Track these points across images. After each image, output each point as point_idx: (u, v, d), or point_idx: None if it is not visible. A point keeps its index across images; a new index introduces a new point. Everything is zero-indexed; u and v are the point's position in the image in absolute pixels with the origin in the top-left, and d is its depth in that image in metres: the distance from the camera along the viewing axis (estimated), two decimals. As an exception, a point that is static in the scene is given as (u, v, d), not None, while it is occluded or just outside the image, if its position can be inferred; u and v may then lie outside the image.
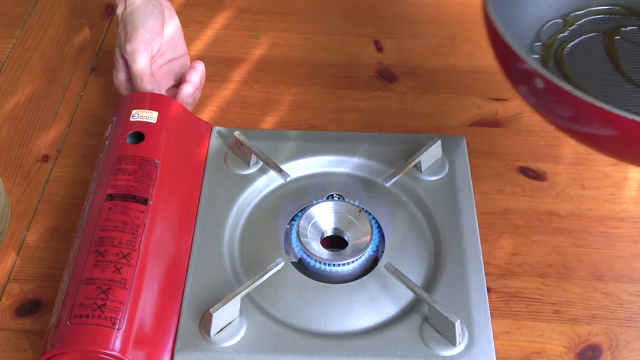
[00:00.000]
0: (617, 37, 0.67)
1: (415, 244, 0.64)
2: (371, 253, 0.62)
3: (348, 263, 0.61)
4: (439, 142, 0.68)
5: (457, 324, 0.56)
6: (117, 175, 0.63)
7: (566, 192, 0.70)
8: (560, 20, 0.68)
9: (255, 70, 0.82)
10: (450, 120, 0.76)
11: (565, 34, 0.67)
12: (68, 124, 0.77)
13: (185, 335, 0.58)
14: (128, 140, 0.66)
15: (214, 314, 0.56)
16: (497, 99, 0.77)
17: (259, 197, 0.67)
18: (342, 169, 0.69)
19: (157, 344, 0.56)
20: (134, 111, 0.67)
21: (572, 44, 0.66)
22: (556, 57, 0.66)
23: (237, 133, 0.68)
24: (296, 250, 0.62)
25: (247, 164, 0.68)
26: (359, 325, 0.59)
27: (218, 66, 0.80)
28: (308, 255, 0.61)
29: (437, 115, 0.77)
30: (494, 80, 0.76)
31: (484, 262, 0.62)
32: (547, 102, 0.57)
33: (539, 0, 0.68)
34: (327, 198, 0.65)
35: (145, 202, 0.61)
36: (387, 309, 0.60)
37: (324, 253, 0.62)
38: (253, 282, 0.58)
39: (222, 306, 0.56)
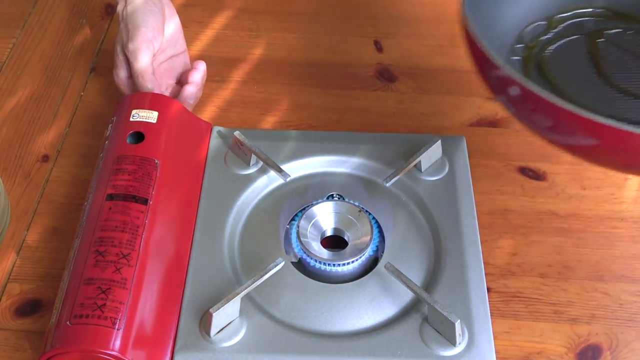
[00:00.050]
0: (601, 39, 0.66)
1: (415, 244, 0.64)
2: (371, 253, 0.62)
3: (348, 263, 0.61)
4: (439, 142, 0.68)
5: (457, 324, 0.56)
6: (117, 175, 0.63)
7: (566, 192, 0.70)
8: (544, 22, 0.68)
9: (255, 70, 0.82)
10: (450, 120, 0.76)
11: (549, 35, 0.67)
12: (68, 124, 0.77)
13: (185, 335, 0.58)
14: (128, 140, 0.66)
15: (214, 314, 0.56)
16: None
17: (259, 197, 0.67)
18: (342, 169, 0.69)
19: (157, 344, 0.56)
20: (134, 111, 0.67)
21: (555, 46, 0.66)
22: (538, 60, 0.65)
23: (237, 133, 0.68)
24: (296, 250, 0.62)
25: (247, 164, 0.68)
26: (359, 325, 0.59)
27: (218, 66, 0.80)
28: (308, 255, 0.61)
29: (437, 115, 0.77)
30: (494, 80, 0.76)
31: (484, 262, 0.62)
32: (524, 109, 0.56)
33: (523, 2, 0.67)
34: (327, 198, 0.65)
35: (145, 202, 0.61)
36: (387, 309, 0.60)
37: (324, 253, 0.62)
38: (253, 282, 0.58)
39: (222, 306, 0.56)
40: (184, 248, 0.63)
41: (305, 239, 0.62)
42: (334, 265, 0.61)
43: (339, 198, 0.66)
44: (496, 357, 0.57)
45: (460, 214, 0.65)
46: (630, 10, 0.68)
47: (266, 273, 0.59)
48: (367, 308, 0.60)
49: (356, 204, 0.64)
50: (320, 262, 0.61)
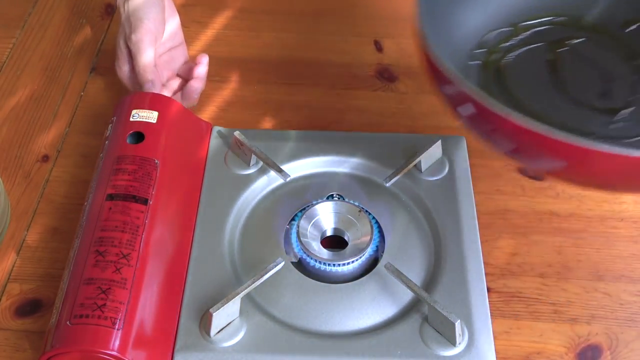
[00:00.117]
0: (562, 49, 0.66)
1: (415, 244, 0.64)
2: (371, 253, 0.62)
3: (348, 263, 0.61)
4: (439, 142, 0.68)
5: (457, 324, 0.56)
6: (117, 175, 0.63)
7: (566, 192, 0.70)
8: (509, 29, 0.67)
9: (256, 70, 0.82)
10: (450, 120, 0.76)
11: (512, 42, 0.67)
12: (68, 124, 0.77)
13: (185, 335, 0.58)
14: (128, 140, 0.66)
15: (214, 314, 0.56)
16: (497, 99, 0.77)
17: (259, 197, 0.67)
18: (342, 169, 0.69)
19: (157, 344, 0.56)
20: (134, 111, 0.67)
21: (516, 52, 0.66)
22: (498, 66, 0.65)
23: (237, 133, 0.68)
24: (296, 250, 0.62)
25: (247, 164, 0.68)
26: (359, 325, 0.59)
27: (218, 66, 0.80)
28: (308, 255, 0.61)
29: (437, 115, 0.77)
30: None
31: (484, 262, 0.62)
32: (473, 120, 0.56)
33: (489, 7, 0.67)
34: (327, 198, 0.65)
35: (145, 202, 0.61)
36: (387, 309, 0.60)
37: (324, 253, 0.62)
38: (253, 282, 0.58)
39: (222, 306, 0.56)
40: (184, 248, 0.63)
41: (305, 239, 0.62)
42: (334, 265, 0.61)
43: (339, 198, 0.66)
44: (496, 357, 0.57)
45: (460, 214, 0.65)
46: (595, 21, 0.67)
47: (266, 273, 0.59)
48: (367, 308, 0.60)
49: (356, 204, 0.64)
50: (320, 262, 0.61)
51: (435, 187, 0.67)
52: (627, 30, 0.66)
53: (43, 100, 0.79)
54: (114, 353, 0.53)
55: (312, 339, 0.58)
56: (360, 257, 0.61)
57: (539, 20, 0.68)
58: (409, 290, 0.59)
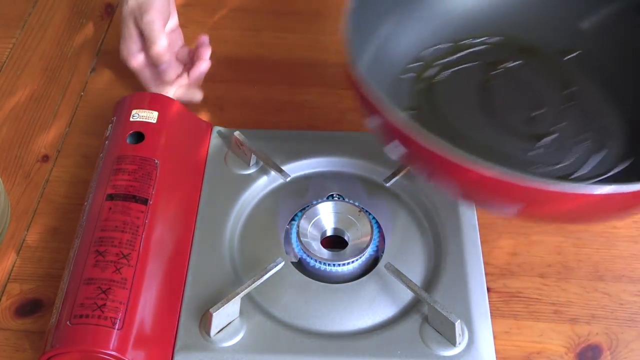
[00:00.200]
0: (498, 70, 0.66)
1: (415, 244, 0.64)
2: (371, 253, 0.62)
3: (348, 263, 0.61)
4: (439, 142, 0.68)
5: (457, 324, 0.56)
6: (117, 175, 0.63)
7: (566, 192, 0.70)
8: (449, 45, 0.67)
9: (255, 70, 0.82)
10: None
11: (450, 59, 0.66)
12: (68, 124, 0.77)
13: (185, 335, 0.58)
14: (128, 140, 0.66)
15: (214, 314, 0.56)
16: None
17: (259, 197, 0.67)
18: (342, 169, 0.69)
19: (157, 344, 0.56)
20: (134, 111, 0.67)
21: (452, 69, 0.65)
22: (431, 81, 0.65)
23: (237, 133, 0.68)
24: (296, 250, 0.62)
25: (247, 164, 0.68)
26: (359, 325, 0.59)
27: (218, 66, 0.80)
28: (308, 255, 0.61)
29: (437, 115, 0.77)
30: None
31: (484, 262, 0.62)
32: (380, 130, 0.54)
33: (430, 23, 0.66)
34: (327, 198, 0.65)
35: (145, 202, 0.61)
36: (387, 309, 0.60)
37: (324, 253, 0.62)
38: (253, 282, 0.58)
39: (222, 306, 0.56)
40: (184, 248, 0.63)
41: (305, 239, 0.62)
42: (334, 265, 0.61)
43: (339, 198, 0.66)
44: (496, 357, 0.57)
45: (460, 214, 0.65)
46: (535, 46, 0.67)
47: (266, 273, 0.59)
48: (367, 308, 0.60)
49: (356, 204, 0.64)
50: (320, 262, 0.61)
51: (435, 187, 0.67)
52: (565, 58, 0.65)
53: (43, 100, 0.79)
54: (114, 353, 0.53)
55: (312, 339, 0.58)
56: (360, 257, 0.61)
57: (479, 39, 0.67)
58: (409, 290, 0.59)
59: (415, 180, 0.67)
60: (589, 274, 0.65)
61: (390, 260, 0.60)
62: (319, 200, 0.65)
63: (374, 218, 0.64)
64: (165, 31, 0.74)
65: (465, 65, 0.66)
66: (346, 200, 0.65)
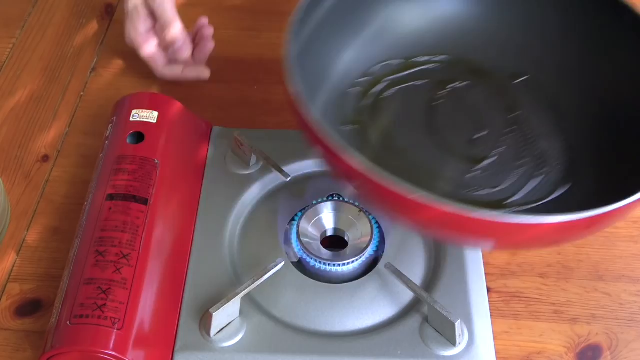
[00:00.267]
0: (446, 90, 0.65)
1: (415, 244, 0.64)
2: (371, 253, 0.62)
3: (348, 263, 0.61)
4: (439, 142, 0.68)
5: (457, 324, 0.56)
6: (117, 175, 0.63)
7: (566, 192, 0.70)
8: (400, 61, 0.66)
9: (255, 70, 0.82)
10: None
11: (399, 75, 0.66)
12: (68, 124, 0.77)
13: (185, 335, 0.58)
14: (128, 140, 0.66)
15: (214, 314, 0.56)
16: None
17: (259, 197, 0.67)
18: (342, 169, 0.69)
19: (157, 344, 0.56)
20: (134, 111, 0.67)
21: (401, 86, 0.65)
22: (378, 96, 0.64)
23: (237, 133, 0.68)
24: (296, 250, 0.62)
25: (247, 164, 0.68)
26: (359, 325, 0.59)
27: (218, 66, 0.80)
28: (308, 255, 0.61)
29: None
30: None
31: (484, 262, 0.62)
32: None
33: (384, 39, 0.66)
34: (327, 198, 0.65)
35: (145, 202, 0.61)
36: (387, 309, 0.60)
37: (324, 253, 0.62)
38: (253, 282, 0.58)
39: (222, 306, 0.56)
40: (184, 248, 0.63)
41: (305, 239, 0.62)
42: (334, 265, 0.61)
43: (339, 198, 0.66)
44: (496, 357, 0.58)
45: (460, 214, 0.65)
46: (485, 68, 0.66)
47: (266, 273, 0.59)
48: (367, 308, 0.60)
49: (356, 204, 0.64)
50: (320, 262, 0.61)
51: (435, 187, 0.67)
52: (514, 82, 0.65)
53: (43, 100, 0.79)
54: (114, 353, 0.53)
55: (312, 339, 0.58)
56: (360, 257, 0.61)
57: (430, 58, 0.66)
58: (409, 290, 0.59)
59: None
60: (589, 274, 0.65)
61: (390, 260, 0.60)
62: (319, 200, 0.65)
63: (373, 218, 0.64)
64: None
65: (413, 83, 0.65)
66: (346, 200, 0.65)
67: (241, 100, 0.79)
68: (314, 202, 0.64)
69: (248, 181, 0.67)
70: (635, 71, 0.60)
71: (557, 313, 0.62)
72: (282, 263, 0.60)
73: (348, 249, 0.62)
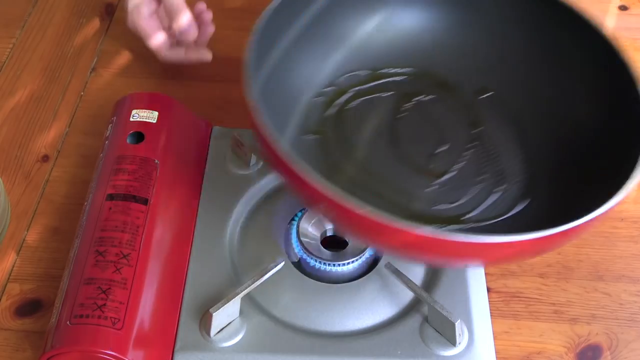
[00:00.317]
0: (411, 102, 0.65)
1: (415, 244, 0.64)
2: (371, 253, 0.62)
3: (348, 263, 0.61)
4: (439, 142, 0.68)
5: (457, 324, 0.56)
6: (117, 175, 0.63)
7: (566, 192, 0.70)
8: (367, 72, 0.66)
9: (255, 70, 0.81)
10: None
11: (366, 86, 0.65)
12: (68, 124, 0.77)
13: (185, 335, 0.58)
14: (128, 140, 0.66)
15: (214, 314, 0.56)
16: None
17: (259, 197, 0.67)
18: (342, 169, 0.69)
19: (157, 344, 0.56)
20: (134, 111, 0.67)
21: (366, 97, 0.65)
22: (343, 107, 0.64)
23: (237, 133, 0.68)
24: (296, 250, 0.62)
25: (247, 164, 0.68)
26: (359, 325, 0.59)
27: (218, 66, 0.80)
28: (308, 255, 0.61)
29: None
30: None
31: (484, 262, 0.62)
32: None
33: (352, 50, 0.65)
34: (327, 198, 0.65)
35: (145, 202, 0.61)
36: (387, 309, 0.60)
37: (324, 253, 0.62)
38: (253, 282, 0.58)
39: (222, 306, 0.56)
40: (184, 248, 0.63)
41: (305, 239, 0.62)
42: (334, 265, 0.61)
43: (339, 198, 0.66)
44: (496, 357, 0.58)
45: (460, 214, 0.65)
46: (452, 82, 0.66)
47: (266, 273, 0.59)
48: (367, 308, 0.60)
49: (356, 204, 0.64)
50: (320, 262, 0.61)
51: (435, 187, 0.67)
52: (480, 97, 0.65)
53: (43, 100, 0.79)
54: (114, 353, 0.53)
55: (312, 339, 0.58)
56: (360, 257, 0.61)
57: (398, 70, 0.66)
58: (409, 290, 0.59)
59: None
60: (589, 274, 0.65)
61: (390, 260, 0.60)
62: (319, 200, 0.65)
63: (374, 218, 0.64)
64: None
65: (379, 95, 0.65)
66: (346, 200, 0.65)
67: (241, 100, 0.78)
68: (314, 202, 0.64)
69: (248, 181, 0.67)
70: (594, 90, 0.60)
71: (557, 313, 0.62)
72: (282, 263, 0.60)
73: (348, 249, 0.62)
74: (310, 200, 0.53)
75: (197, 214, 0.65)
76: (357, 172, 0.59)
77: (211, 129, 0.72)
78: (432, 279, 0.61)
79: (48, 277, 0.64)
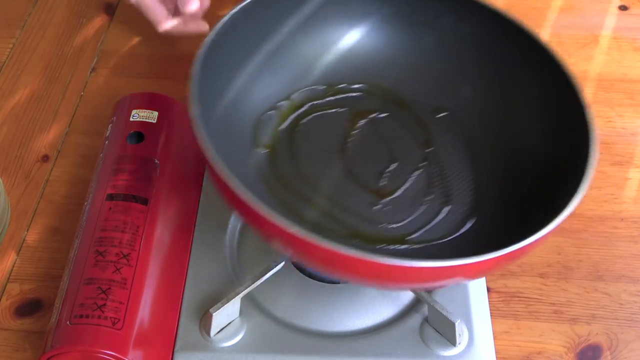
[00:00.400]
0: (365, 119, 0.64)
1: (415, 244, 0.64)
2: (371, 253, 0.62)
3: (348, 263, 0.61)
4: (439, 142, 0.68)
5: (457, 324, 0.56)
6: (117, 175, 0.63)
7: (566, 192, 0.70)
8: (323, 87, 0.66)
9: (255, 70, 0.82)
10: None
11: (321, 101, 0.65)
12: (68, 124, 0.77)
13: (185, 335, 0.58)
14: (128, 140, 0.66)
15: (214, 314, 0.56)
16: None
17: (259, 197, 0.67)
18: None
19: (157, 344, 0.56)
20: (134, 111, 0.67)
21: (320, 112, 0.64)
22: (296, 121, 0.64)
23: (237, 133, 0.68)
24: (296, 250, 0.62)
25: (247, 164, 0.68)
26: (359, 325, 0.59)
27: (218, 66, 0.80)
28: (308, 255, 0.61)
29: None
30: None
31: (484, 262, 0.62)
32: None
33: (308, 65, 0.66)
34: (327, 198, 0.65)
35: (145, 202, 0.61)
36: (387, 309, 0.60)
37: (324, 253, 0.62)
38: (253, 282, 0.58)
39: (222, 306, 0.56)
40: (184, 248, 0.63)
41: (305, 239, 0.62)
42: (334, 265, 0.61)
43: (339, 198, 0.66)
44: (496, 357, 0.58)
45: (460, 214, 0.65)
46: (409, 100, 0.66)
47: (266, 273, 0.59)
48: (367, 308, 0.60)
49: (356, 204, 0.64)
50: (320, 262, 0.61)
51: (435, 187, 0.67)
52: (437, 116, 0.65)
53: (43, 100, 0.79)
54: (114, 353, 0.53)
55: (312, 339, 0.58)
56: (360, 257, 0.61)
57: (354, 86, 0.66)
58: (409, 290, 0.59)
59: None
60: (589, 274, 0.65)
61: (390, 260, 0.60)
62: (319, 200, 0.65)
63: (374, 218, 0.64)
64: None
65: (333, 110, 0.65)
66: (346, 200, 0.65)
67: (241, 100, 0.79)
68: (314, 202, 0.64)
69: (248, 181, 0.67)
70: (542, 114, 0.60)
71: (557, 313, 0.62)
72: (282, 263, 0.60)
73: (348, 249, 0.62)
74: (247, 219, 0.53)
75: (197, 214, 0.65)
76: (304, 188, 0.59)
77: (211, 129, 0.71)
78: (432, 279, 0.61)
79: (48, 277, 0.64)
